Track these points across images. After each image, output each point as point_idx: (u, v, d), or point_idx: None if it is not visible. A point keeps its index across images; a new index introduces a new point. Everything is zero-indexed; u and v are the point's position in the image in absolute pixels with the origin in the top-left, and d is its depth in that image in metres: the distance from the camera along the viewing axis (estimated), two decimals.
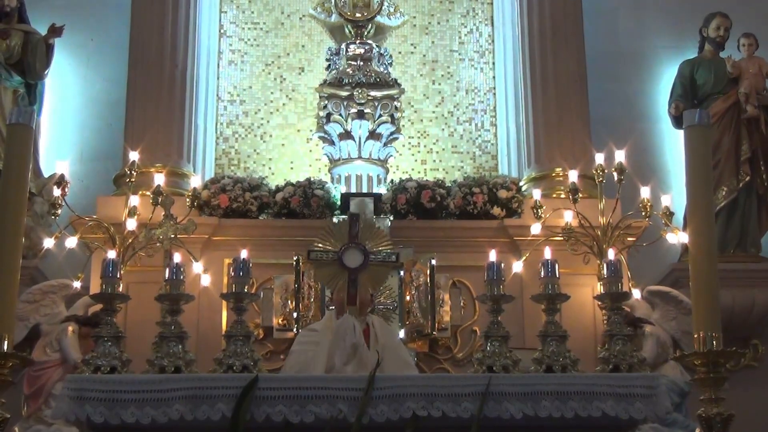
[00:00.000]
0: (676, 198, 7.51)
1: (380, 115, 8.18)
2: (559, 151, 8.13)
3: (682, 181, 6.10)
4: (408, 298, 7.51)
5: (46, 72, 8.45)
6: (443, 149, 8.96)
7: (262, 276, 7.53)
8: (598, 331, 7.34)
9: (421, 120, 9.01)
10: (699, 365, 4.76)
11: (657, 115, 9.02)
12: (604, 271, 5.14)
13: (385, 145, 8.20)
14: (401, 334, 7.25)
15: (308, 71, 9.07)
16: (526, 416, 4.44)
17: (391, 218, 7.76)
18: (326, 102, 8.24)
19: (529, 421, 4.46)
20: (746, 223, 8.45)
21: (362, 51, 8.41)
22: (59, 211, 7.22)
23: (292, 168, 8.78)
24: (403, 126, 8.62)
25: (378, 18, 8.58)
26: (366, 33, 8.56)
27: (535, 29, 8.51)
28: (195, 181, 7.86)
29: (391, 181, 8.27)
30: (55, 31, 8.40)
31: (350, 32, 8.56)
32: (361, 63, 8.35)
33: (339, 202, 7.89)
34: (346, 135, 8.14)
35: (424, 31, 9.25)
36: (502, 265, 5.13)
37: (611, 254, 5.40)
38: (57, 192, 7.23)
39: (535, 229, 7.46)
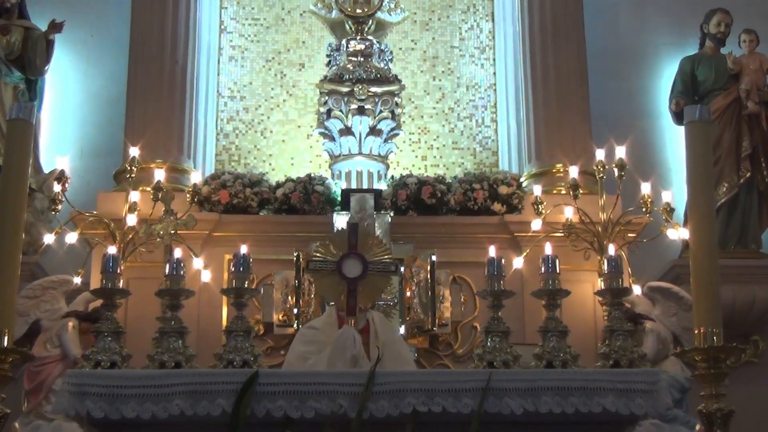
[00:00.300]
0: (676, 194, 7.51)
1: (381, 111, 8.17)
2: (559, 147, 8.13)
3: (682, 178, 6.09)
4: (408, 294, 7.51)
5: (46, 68, 8.45)
6: (444, 145, 8.95)
7: (262, 272, 7.52)
8: (599, 327, 7.33)
9: (422, 116, 9.01)
10: (700, 361, 4.77)
11: (658, 112, 9.02)
12: (605, 267, 5.14)
13: (385, 141, 8.20)
14: (402, 330, 7.25)
15: (309, 67, 9.06)
16: (527, 412, 4.44)
17: (392, 214, 7.76)
18: (327, 98, 8.23)
19: (530, 417, 4.46)
20: (747, 219, 8.45)
21: (363, 47, 8.40)
22: (59, 207, 7.23)
23: (292, 164, 8.78)
24: (404, 122, 8.61)
25: (378, 14, 8.56)
26: (366, 29, 8.54)
27: (536, 25, 8.51)
28: (195, 177, 7.87)
29: (392, 177, 8.26)
30: (56, 27, 8.39)
31: (351, 28, 8.55)
32: (362, 59, 8.34)
33: (339, 198, 7.89)
34: (347, 131, 8.13)
35: (424, 27, 9.24)
36: (503, 260, 5.13)
37: (612, 250, 5.39)
38: (57, 188, 7.23)
39: (536, 225, 7.46)
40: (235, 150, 8.87)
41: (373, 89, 8.19)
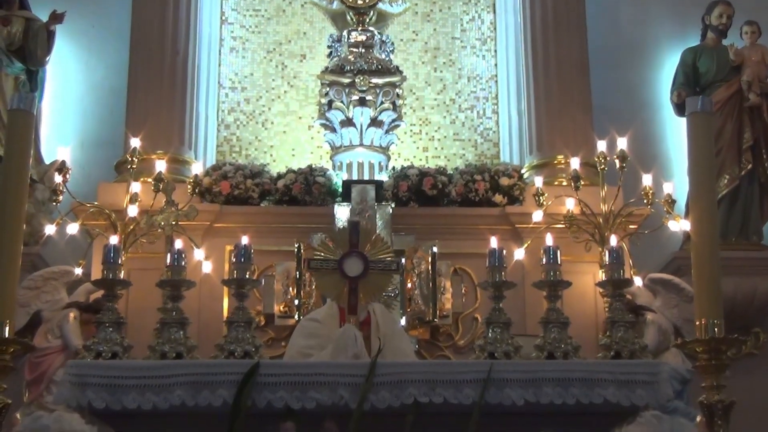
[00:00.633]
0: (678, 186, 7.49)
1: (382, 103, 8.17)
2: (561, 138, 8.12)
3: (683, 169, 6.08)
4: (409, 285, 7.51)
5: (47, 59, 8.42)
6: (445, 137, 8.94)
7: (263, 263, 7.51)
8: (600, 318, 7.34)
9: (423, 107, 8.99)
10: (701, 352, 4.77)
11: (659, 103, 9.00)
12: (606, 258, 5.15)
13: (386, 132, 8.19)
14: (402, 321, 7.25)
15: (310, 58, 9.04)
16: (528, 403, 4.45)
17: (393, 205, 7.75)
18: (328, 89, 8.23)
19: (531, 408, 4.47)
20: (748, 211, 8.44)
21: (364, 38, 8.39)
22: (60, 198, 7.23)
23: (293, 155, 8.77)
24: (405, 113, 8.60)
25: (380, 5, 8.55)
26: (368, 20, 8.53)
27: (538, 16, 8.49)
28: (196, 168, 7.86)
29: (393, 168, 8.25)
30: (57, 17, 8.37)
31: (352, 19, 8.54)
32: (363, 50, 8.33)
33: (340, 190, 7.88)
34: (348, 122, 8.12)
35: (425, 18, 9.23)
36: (504, 252, 5.13)
37: (613, 241, 5.40)
38: (58, 178, 7.23)
39: (537, 216, 7.46)
40: (236, 141, 8.86)
41: (375, 80, 8.18)
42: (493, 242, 5.15)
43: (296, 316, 7.26)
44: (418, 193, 8.02)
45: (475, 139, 8.94)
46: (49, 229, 7.34)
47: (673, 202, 7.43)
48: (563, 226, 7.30)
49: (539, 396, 4.45)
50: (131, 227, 7.09)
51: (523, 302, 7.23)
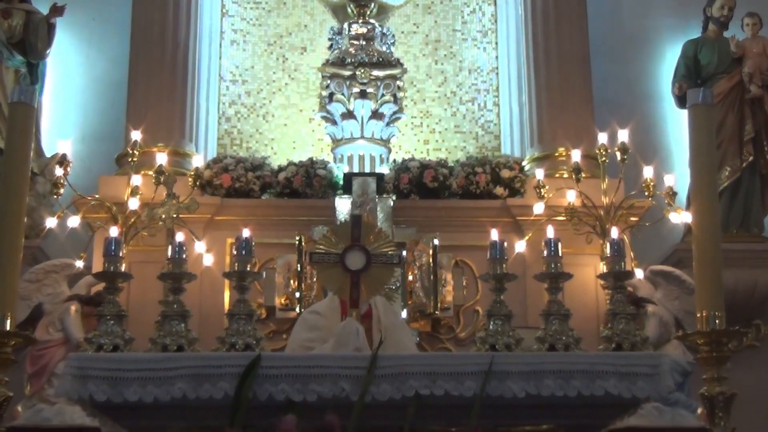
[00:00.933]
0: (679, 178, 7.50)
1: (383, 95, 8.17)
2: (561, 130, 8.12)
3: (685, 161, 6.09)
4: (410, 277, 7.51)
5: (47, 51, 8.42)
6: (446, 129, 8.94)
7: (264, 256, 7.52)
8: (601, 310, 7.34)
9: (424, 100, 8.99)
10: (702, 344, 4.77)
11: (660, 95, 8.99)
12: (607, 251, 5.14)
13: (387, 124, 8.19)
14: (404, 313, 7.25)
15: (311, 51, 9.04)
16: (529, 395, 4.44)
17: (394, 198, 7.76)
18: (329, 82, 8.23)
19: (532, 400, 4.47)
20: (749, 203, 8.44)
21: (365, 30, 8.39)
22: (61, 191, 7.22)
23: (294, 148, 8.77)
24: (406, 106, 8.61)
25: None
26: (368, 12, 8.53)
27: (538, 8, 8.48)
28: (197, 161, 7.85)
29: (394, 160, 8.26)
30: (57, 10, 8.37)
31: (353, 11, 8.54)
32: (364, 42, 8.33)
33: (341, 182, 7.89)
34: (349, 115, 8.13)
35: (426, 11, 9.22)
36: (505, 244, 5.12)
37: (614, 233, 5.38)
38: (59, 171, 7.23)
39: (538, 208, 7.46)
40: (237, 134, 8.86)
41: (375, 73, 8.19)
42: (494, 234, 5.13)
43: (297, 309, 7.27)
44: (419, 185, 8.03)
45: (476, 131, 8.94)
46: (50, 222, 7.34)
47: (675, 194, 7.43)
48: (564, 218, 7.30)
49: (540, 388, 4.43)
50: (132, 220, 7.09)
51: (524, 294, 7.24)
